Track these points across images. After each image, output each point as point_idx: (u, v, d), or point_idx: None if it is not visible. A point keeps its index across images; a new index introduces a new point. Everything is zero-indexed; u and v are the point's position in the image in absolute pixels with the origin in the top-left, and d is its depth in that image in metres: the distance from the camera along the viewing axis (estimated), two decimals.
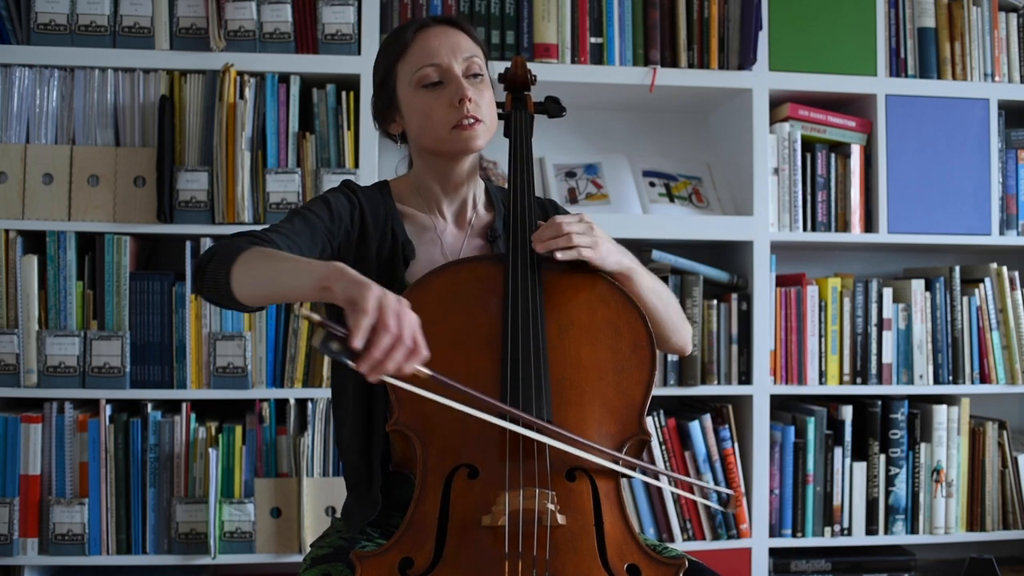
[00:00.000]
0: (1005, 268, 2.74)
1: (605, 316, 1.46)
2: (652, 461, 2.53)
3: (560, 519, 1.28)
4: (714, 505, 1.62)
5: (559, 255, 1.44)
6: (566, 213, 1.66)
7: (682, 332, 1.62)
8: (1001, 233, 2.75)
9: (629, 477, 1.39)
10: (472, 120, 1.51)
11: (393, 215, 1.58)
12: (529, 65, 1.74)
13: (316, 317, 1.11)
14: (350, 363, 1.13)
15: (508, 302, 1.43)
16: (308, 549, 1.58)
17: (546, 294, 1.46)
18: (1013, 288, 2.74)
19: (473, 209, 1.65)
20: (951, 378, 2.70)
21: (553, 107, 1.74)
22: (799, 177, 2.66)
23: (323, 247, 1.48)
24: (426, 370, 1.19)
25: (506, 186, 1.61)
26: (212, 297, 1.35)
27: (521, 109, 1.67)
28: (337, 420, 1.61)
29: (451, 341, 1.40)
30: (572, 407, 1.39)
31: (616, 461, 1.36)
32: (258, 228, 1.43)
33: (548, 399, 1.38)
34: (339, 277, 1.17)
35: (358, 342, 1.11)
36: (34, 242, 2.38)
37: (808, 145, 2.70)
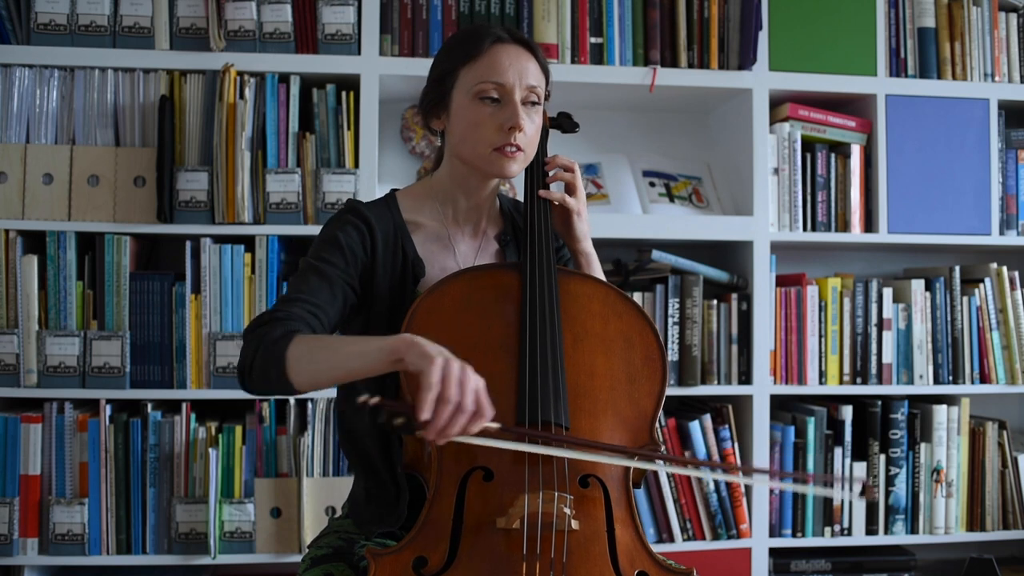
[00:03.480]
0: (1005, 268, 2.74)
1: (618, 327, 1.49)
2: None
3: (574, 524, 1.30)
4: (848, 495, 1.66)
5: (556, 197, 1.60)
6: None
7: None
8: (1001, 233, 2.75)
9: (654, 469, 1.43)
10: (515, 149, 1.51)
11: (402, 231, 1.57)
12: None
13: (376, 399, 1.18)
14: (416, 434, 1.21)
15: (526, 310, 1.45)
16: (307, 550, 1.58)
17: (561, 304, 1.48)
18: (1013, 288, 2.74)
19: (488, 220, 1.65)
20: (951, 378, 2.70)
21: (567, 123, 1.75)
22: (799, 177, 2.66)
23: (344, 294, 1.50)
24: (495, 424, 1.26)
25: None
26: (264, 393, 1.42)
27: None
28: (350, 427, 1.59)
29: (468, 347, 1.41)
30: (585, 415, 1.41)
31: (631, 457, 1.38)
32: (273, 307, 1.45)
33: (566, 406, 1.40)
34: (409, 348, 1.24)
35: (425, 415, 1.19)
36: (34, 242, 2.38)
37: (808, 145, 2.70)
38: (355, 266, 1.52)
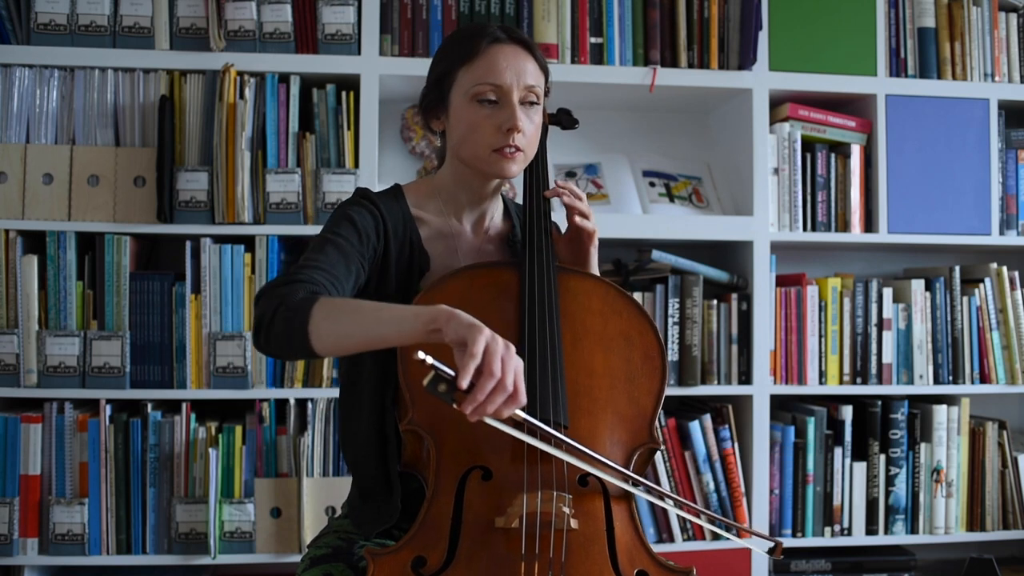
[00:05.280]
0: (1005, 268, 2.74)
1: (618, 326, 1.49)
2: (653, 466, 2.54)
3: (574, 523, 1.30)
4: (759, 550, 1.61)
5: (577, 219, 1.58)
6: None
7: None
8: (1001, 233, 2.75)
9: (638, 495, 1.40)
10: (514, 149, 1.51)
11: (410, 223, 1.58)
12: None
13: (430, 360, 1.14)
14: (453, 404, 1.17)
15: (525, 308, 1.45)
16: (306, 550, 1.58)
17: (561, 302, 1.48)
18: (1013, 288, 2.74)
19: (491, 219, 1.65)
20: (951, 378, 2.70)
21: (566, 119, 1.75)
22: (799, 177, 2.66)
23: (356, 272, 1.47)
24: (522, 414, 1.22)
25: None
26: (281, 353, 1.35)
27: None
28: (348, 427, 1.59)
29: None
30: (585, 414, 1.42)
31: (628, 480, 1.37)
32: (292, 267, 1.41)
33: (565, 405, 1.40)
34: (449, 319, 1.19)
35: (464, 383, 1.14)
36: (34, 242, 2.38)
37: (808, 145, 2.70)
38: (368, 248, 1.50)
